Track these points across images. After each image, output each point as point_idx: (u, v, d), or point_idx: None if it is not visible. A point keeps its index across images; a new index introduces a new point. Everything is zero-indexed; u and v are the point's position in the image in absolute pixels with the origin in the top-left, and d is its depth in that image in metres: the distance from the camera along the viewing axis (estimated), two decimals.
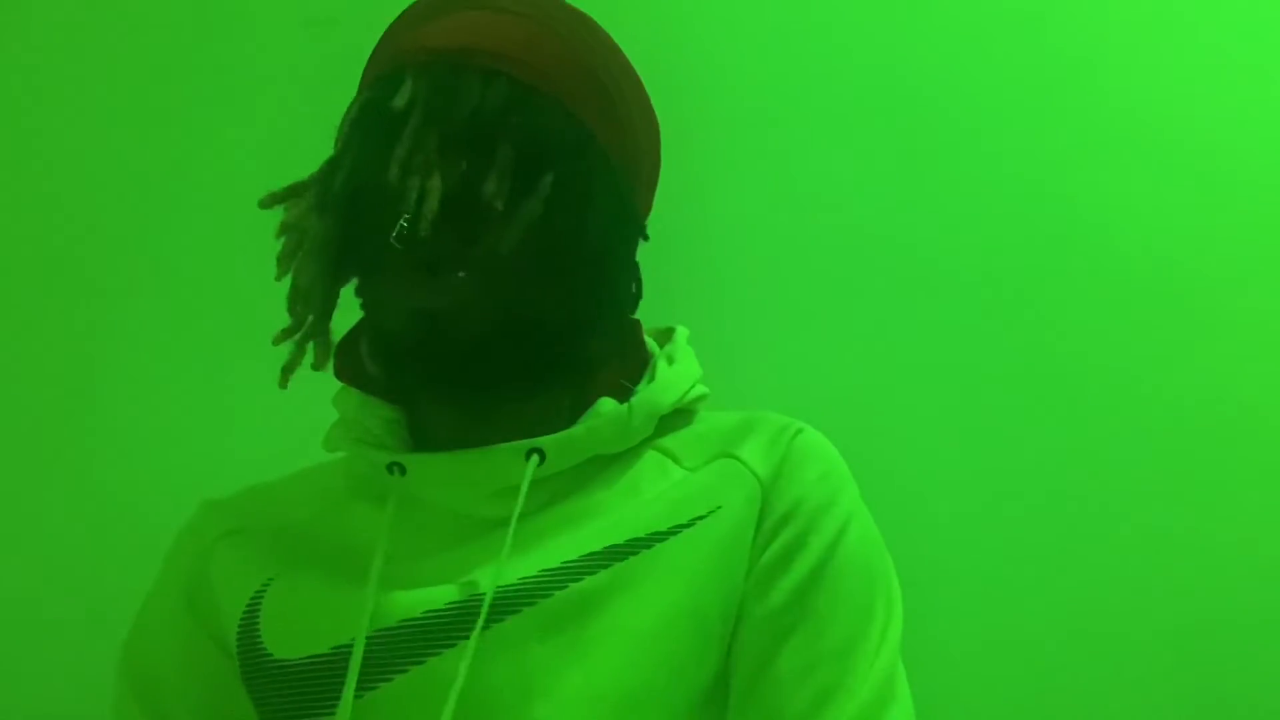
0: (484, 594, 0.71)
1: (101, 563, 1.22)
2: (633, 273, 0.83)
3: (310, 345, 0.80)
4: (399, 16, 0.82)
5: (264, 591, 0.77)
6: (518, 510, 0.73)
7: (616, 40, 0.84)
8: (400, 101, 0.72)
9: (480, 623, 0.70)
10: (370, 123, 0.75)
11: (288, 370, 0.79)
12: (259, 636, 0.76)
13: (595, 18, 0.84)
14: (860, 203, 1.26)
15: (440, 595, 0.73)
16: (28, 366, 1.29)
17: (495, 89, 0.73)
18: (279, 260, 0.79)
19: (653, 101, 0.87)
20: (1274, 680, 1.19)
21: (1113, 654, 1.19)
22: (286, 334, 0.80)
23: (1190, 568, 1.20)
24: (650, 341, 0.88)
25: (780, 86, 1.28)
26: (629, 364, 0.85)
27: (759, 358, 1.24)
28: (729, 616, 0.75)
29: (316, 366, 0.81)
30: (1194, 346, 1.23)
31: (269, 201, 0.79)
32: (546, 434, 0.76)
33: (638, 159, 0.83)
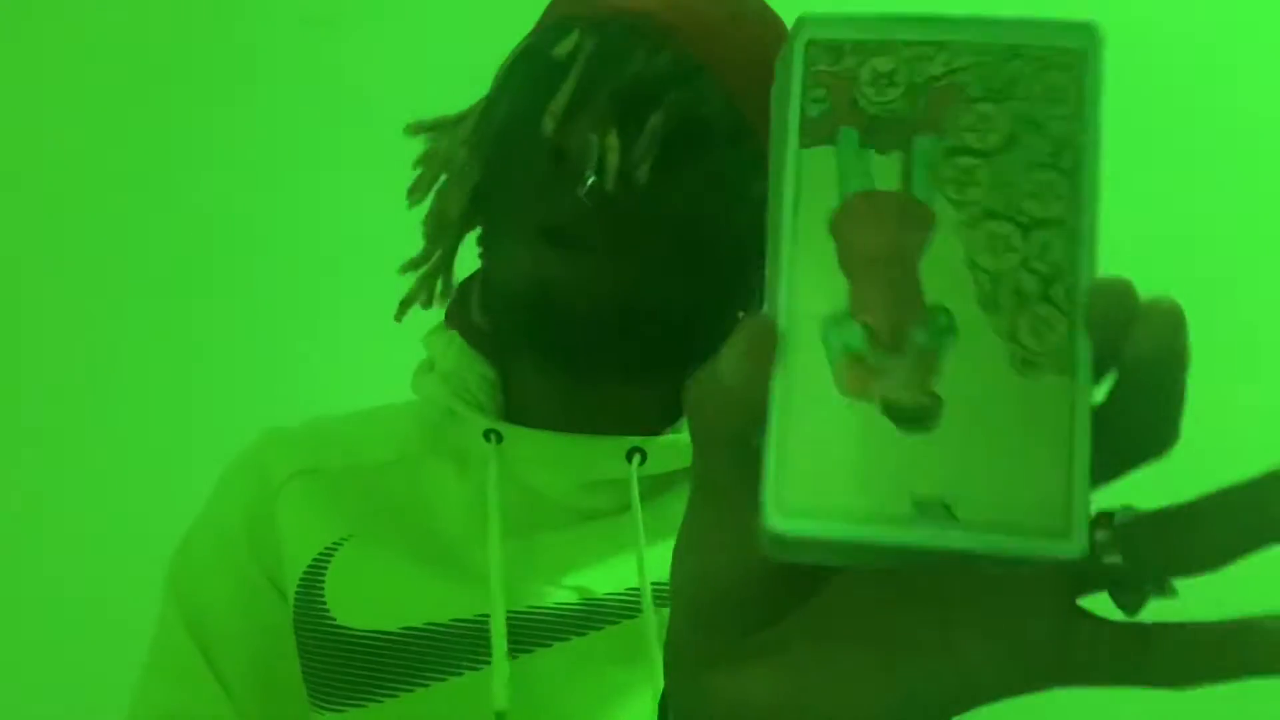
0: (631, 589, 0.69)
1: (113, 557, 1.23)
2: (759, 285, 0.77)
3: (435, 282, 0.77)
4: None
5: (335, 549, 0.72)
6: (636, 505, 0.70)
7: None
8: (562, 51, 0.69)
9: (648, 608, 0.67)
10: (530, 69, 0.71)
11: (406, 304, 0.76)
12: (321, 596, 0.72)
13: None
14: None
15: (565, 592, 0.70)
16: (34, 360, 1.29)
17: (660, 59, 0.69)
18: (412, 188, 0.75)
19: None
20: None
21: None
22: (414, 264, 0.76)
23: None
24: None
25: None
26: None
27: None
28: None
29: (426, 304, 0.77)
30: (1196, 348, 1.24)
31: (415, 129, 0.76)
32: (645, 429, 0.73)
33: None
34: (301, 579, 0.73)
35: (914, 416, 0.26)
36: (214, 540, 0.77)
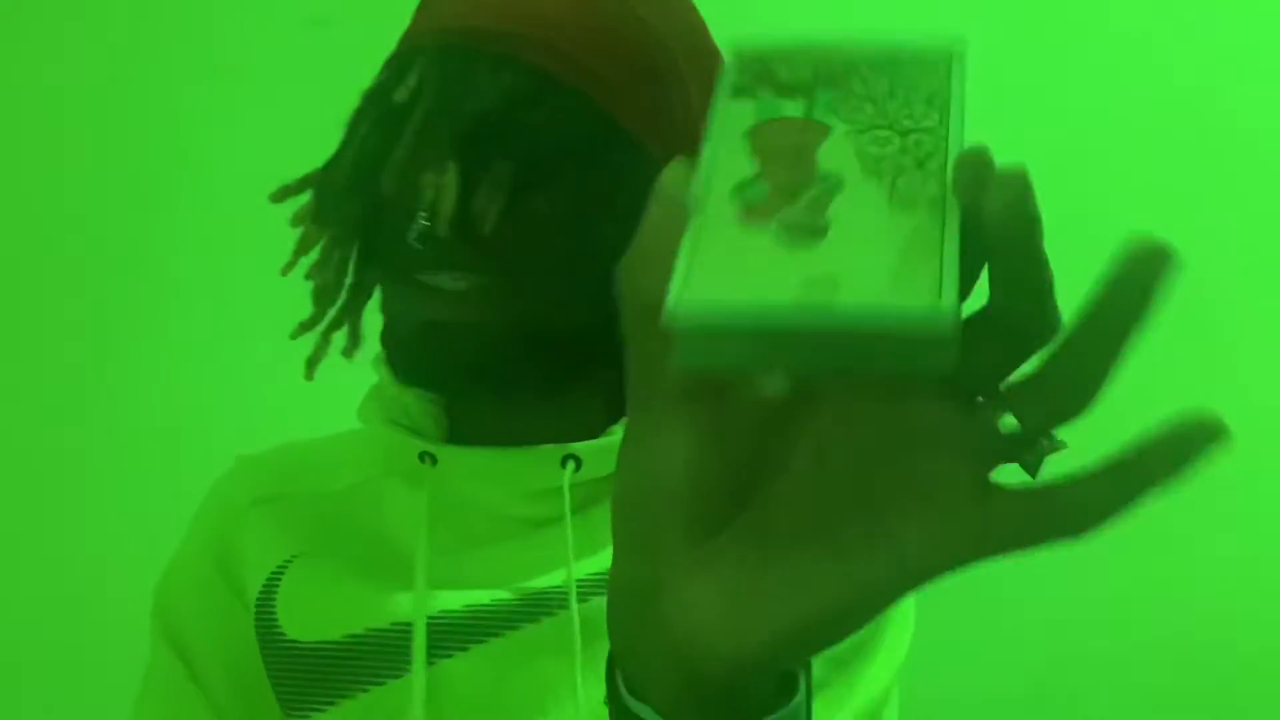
0: (543, 591, 0.71)
1: (109, 559, 1.23)
2: None
3: (340, 333, 0.78)
4: None
5: (287, 566, 0.77)
6: (569, 517, 0.72)
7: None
8: (402, 95, 0.68)
9: (574, 605, 0.69)
10: (373, 115, 0.71)
11: (312, 362, 0.77)
12: (274, 612, 0.76)
13: None
14: None
15: (488, 594, 0.72)
16: (35, 358, 1.29)
17: (501, 80, 0.67)
18: (296, 251, 0.77)
19: None
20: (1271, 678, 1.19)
21: (1110, 652, 1.19)
22: (304, 327, 0.77)
23: (1193, 571, 1.21)
24: None
25: None
26: None
27: None
28: None
29: (346, 354, 0.79)
30: (1198, 345, 1.24)
31: (280, 195, 0.77)
32: (582, 434, 0.75)
33: (676, 134, 0.73)
34: (258, 598, 0.77)
35: (806, 231, 0.30)
36: (189, 568, 0.81)
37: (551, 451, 0.74)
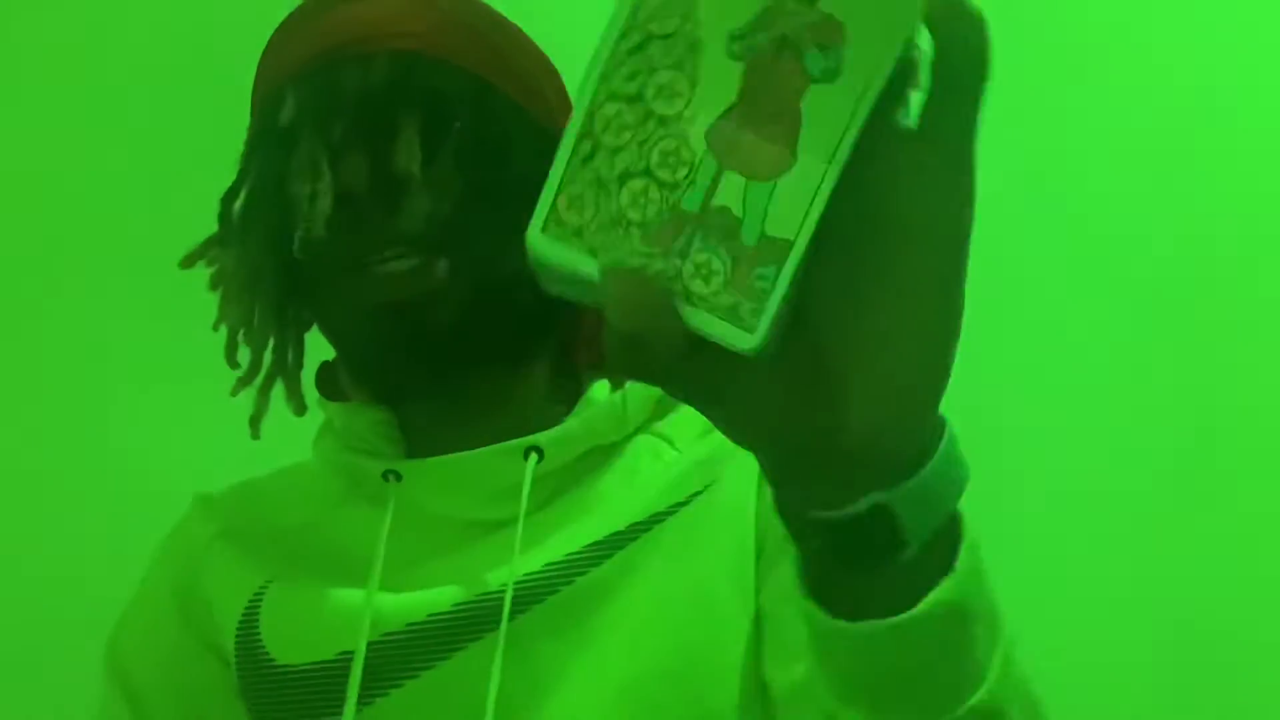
0: (494, 593, 0.70)
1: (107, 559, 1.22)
2: None
3: (278, 387, 0.78)
4: (272, 38, 0.79)
5: (263, 593, 0.76)
6: (524, 509, 0.72)
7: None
8: (285, 119, 0.71)
9: (504, 621, 0.69)
10: (263, 146, 0.74)
11: (254, 421, 0.78)
12: (259, 640, 0.75)
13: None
14: None
15: (445, 597, 0.72)
16: (34, 363, 1.29)
17: (376, 67, 0.71)
18: (219, 315, 0.77)
19: None
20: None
21: (1110, 650, 1.19)
22: (240, 384, 0.78)
23: (1190, 564, 1.21)
24: None
25: None
26: None
27: None
28: (745, 589, 0.73)
29: (295, 411, 0.79)
30: (1199, 342, 1.24)
31: (189, 262, 0.78)
32: (538, 425, 0.75)
33: (549, 109, 0.79)
34: (238, 629, 0.75)
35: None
36: (145, 616, 0.81)
37: (512, 447, 0.74)
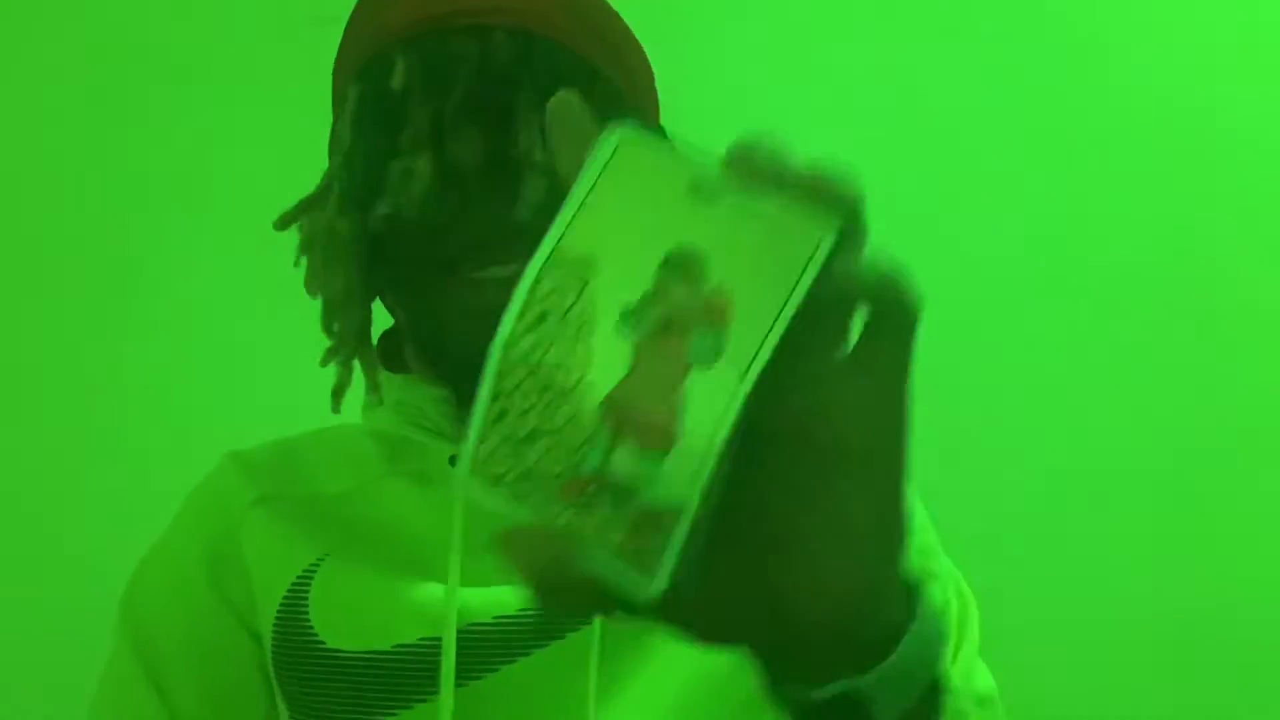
0: None
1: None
2: None
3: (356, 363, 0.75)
4: None
5: (314, 571, 0.71)
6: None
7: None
8: (397, 83, 0.66)
9: (598, 636, 0.67)
10: (371, 112, 0.69)
11: (337, 394, 0.74)
12: (307, 621, 0.71)
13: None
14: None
15: (512, 599, 0.69)
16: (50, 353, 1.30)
17: (495, 41, 0.67)
18: (307, 282, 0.73)
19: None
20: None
21: (1107, 649, 1.19)
22: (331, 354, 0.74)
23: (1187, 563, 1.21)
24: None
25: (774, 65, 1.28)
26: None
27: None
28: None
29: (371, 394, 0.75)
30: (1193, 345, 1.24)
31: (283, 223, 0.74)
32: None
33: (642, 100, 0.77)
34: (282, 605, 0.71)
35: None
36: (170, 572, 0.76)
37: None
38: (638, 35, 0.78)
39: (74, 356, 1.30)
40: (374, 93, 0.69)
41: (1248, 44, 1.28)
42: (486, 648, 0.68)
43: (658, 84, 0.81)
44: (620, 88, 0.73)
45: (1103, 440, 1.24)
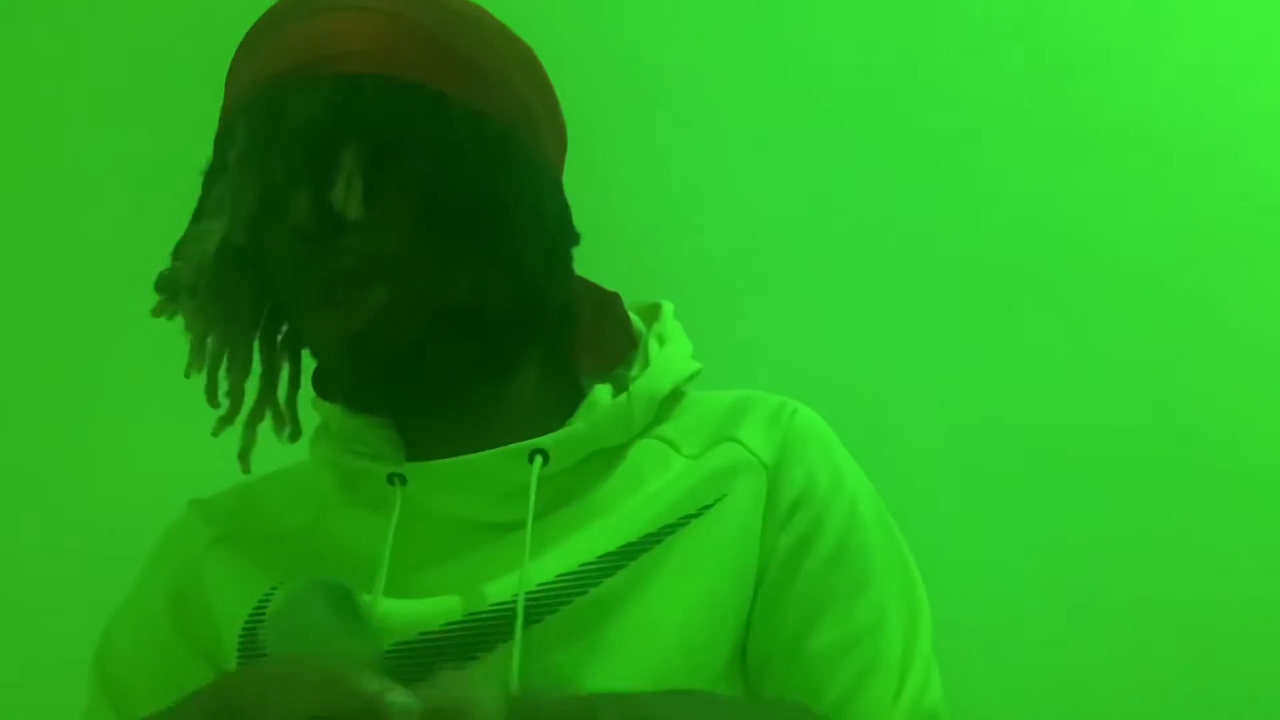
0: (507, 603, 0.70)
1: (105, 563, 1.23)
2: (554, 224, 0.77)
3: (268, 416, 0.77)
4: (233, 59, 0.77)
5: (269, 599, 0.75)
6: (531, 512, 0.71)
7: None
8: (234, 155, 0.70)
9: (519, 632, 0.68)
10: (218, 182, 0.72)
11: (243, 455, 0.76)
12: (264, 647, 0.73)
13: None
14: (849, 197, 1.27)
15: (457, 606, 0.71)
16: (36, 366, 1.30)
17: (318, 96, 0.69)
18: (191, 359, 0.75)
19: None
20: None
21: (1108, 646, 1.19)
22: (224, 422, 0.76)
23: (1185, 564, 1.21)
24: (635, 319, 0.85)
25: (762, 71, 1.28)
26: (611, 341, 0.82)
27: (747, 333, 1.24)
28: (744, 600, 0.74)
29: (290, 437, 0.78)
30: (1187, 350, 1.24)
31: (160, 311, 0.74)
32: (536, 430, 0.74)
33: (527, 114, 0.76)
34: (242, 635, 0.74)
35: None
36: (137, 622, 0.79)
37: (518, 450, 0.73)
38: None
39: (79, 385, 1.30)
40: (220, 164, 0.72)
41: (1247, 43, 1.28)
42: (408, 667, 0.69)
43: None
44: (471, 106, 0.72)
45: (1103, 440, 1.23)
